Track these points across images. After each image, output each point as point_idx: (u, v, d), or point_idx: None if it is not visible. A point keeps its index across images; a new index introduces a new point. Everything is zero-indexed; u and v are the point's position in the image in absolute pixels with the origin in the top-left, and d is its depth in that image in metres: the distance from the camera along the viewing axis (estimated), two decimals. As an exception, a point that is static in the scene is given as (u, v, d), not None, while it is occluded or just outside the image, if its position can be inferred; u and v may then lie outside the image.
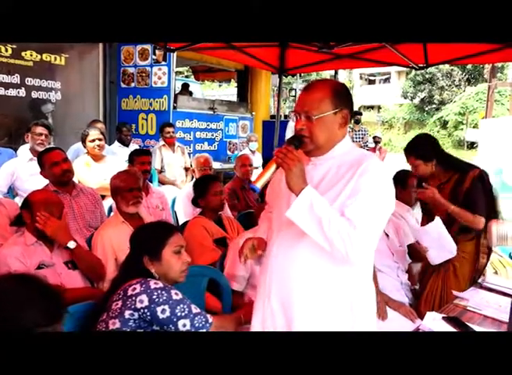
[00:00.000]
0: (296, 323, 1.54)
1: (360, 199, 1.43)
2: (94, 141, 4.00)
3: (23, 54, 5.67)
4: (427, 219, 2.76)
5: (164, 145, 5.38)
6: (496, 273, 3.49)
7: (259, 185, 1.47)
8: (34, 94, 5.86)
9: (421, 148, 2.73)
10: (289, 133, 7.41)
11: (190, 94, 8.82)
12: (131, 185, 2.73)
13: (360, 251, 1.43)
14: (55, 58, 6.08)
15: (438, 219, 2.57)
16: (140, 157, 3.78)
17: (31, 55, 5.77)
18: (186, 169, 5.40)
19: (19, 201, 3.28)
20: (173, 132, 5.42)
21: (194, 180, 3.77)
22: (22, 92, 5.71)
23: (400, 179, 2.97)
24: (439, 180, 2.73)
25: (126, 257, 1.82)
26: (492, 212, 2.63)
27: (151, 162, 3.88)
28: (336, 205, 1.44)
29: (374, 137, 8.94)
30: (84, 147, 4.11)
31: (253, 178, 4.52)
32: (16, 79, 5.62)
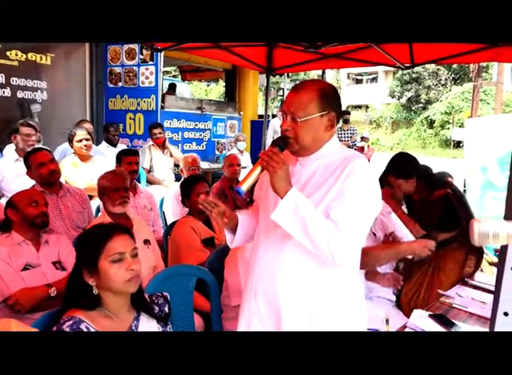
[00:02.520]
0: (285, 325, 1.54)
1: (345, 201, 1.43)
2: (81, 141, 3.97)
3: (7, 53, 5.59)
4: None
5: (153, 145, 5.37)
6: (481, 270, 3.54)
7: (244, 188, 1.45)
8: (20, 94, 5.79)
9: (401, 166, 2.83)
10: (271, 131, 7.43)
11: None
12: (117, 185, 2.72)
13: (346, 252, 1.43)
14: (41, 58, 6.01)
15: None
16: (128, 157, 3.76)
17: (16, 55, 5.70)
18: (176, 166, 5.38)
19: (5, 202, 3.24)
20: (160, 133, 5.39)
21: (182, 179, 3.76)
22: (7, 92, 5.64)
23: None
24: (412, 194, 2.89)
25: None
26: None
27: (138, 162, 3.87)
28: (322, 206, 1.45)
29: (361, 138, 8.98)
30: (71, 147, 4.08)
31: (241, 178, 4.52)
32: (0, 79, 5.55)
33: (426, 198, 2.79)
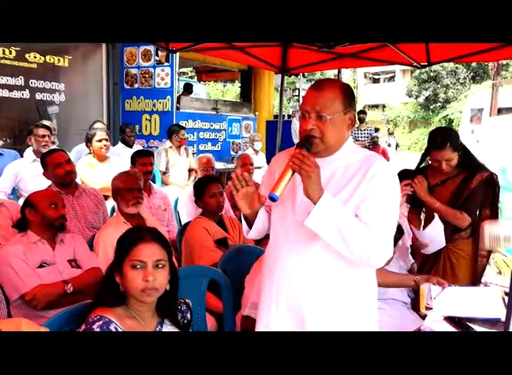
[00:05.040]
0: (308, 328, 1.53)
1: (374, 203, 1.43)
2: (101, 140, 4.03)
3: (26, 56, 5.70)
4: (415, 212, 2.76)
5: (171, 147, 5.34)
6: (500, 272, 3.47)
7: (278, 193, 1.40)
8: (38, 96, 5.90)
9: (456, 139, 2.60)
10: (294, 133, 7.40)
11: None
12: (131, 186, 2.75)
13: (381, 254, 1.44)
14: (59, 60, 6.11)
15: (437, 219, 2.56)
16: (142, 158, 3.77)
17: (35, 57, 5.81)
18: (190, 171, 5.41)
19: (22, 202, 3.30)
20: (185, 134, 5.43)
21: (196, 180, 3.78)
22: (26, 94, 5.75)
23: (403, 178, 2.98)
24: (446, 174, 2.66)
25: None
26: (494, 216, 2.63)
27: (152, 162, 3.88)
28: (349, 208, 1.44)
29: (372, 138, 8.79)
30: (89, 147, 4.13)
31: (254, 177, 4.52)
32: (20, 81, 5.66)
33: (465, 181, 2.61)
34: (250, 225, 1.65)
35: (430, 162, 2.71)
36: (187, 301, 1.69)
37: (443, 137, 2.59)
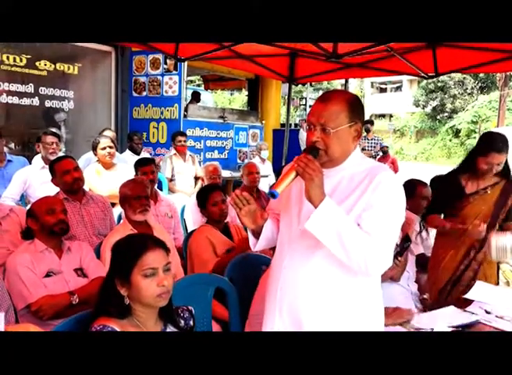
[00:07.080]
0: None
1: (376, 212, 1.44)
2: (104, 148, 4.04)
3: (37, 63, 5.77)
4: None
5: (175, 154, 5.40)
6: (507, 283, 3.44)
7: (279, 191, 1.42)
8: (48, 103, 5.96)
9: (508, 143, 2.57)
10: (302, 144, 7.42)
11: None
12: (138, 193, 2.75)
13: (380, 263, 1.44)
14: (69, 68, 6.17)
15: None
16: (143, 167, 3.74)
17: (45, 65, 5.87)
18: (197, 178, 5.43)
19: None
20: (185, 141, 5.45)
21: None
22: (36, 101, 5.81)
23: (409, 188, 2.96)
24: (484, 182, 2.66)
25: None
26: None
27: (154, 171, 3.81)
28: (351, 217, 1.45)
29: (382, 147, 8.77)
30: (95, 155, 4.16)
31: (261, 185, 4.51)
32: (30, 88, 5.72)
33: (506, 189, 2.63)
34: (256, 237, 1.68)
35: (479, 166, 2.61)
36: (190, 308, 1.70)
37: (503, 140, 2.54)
